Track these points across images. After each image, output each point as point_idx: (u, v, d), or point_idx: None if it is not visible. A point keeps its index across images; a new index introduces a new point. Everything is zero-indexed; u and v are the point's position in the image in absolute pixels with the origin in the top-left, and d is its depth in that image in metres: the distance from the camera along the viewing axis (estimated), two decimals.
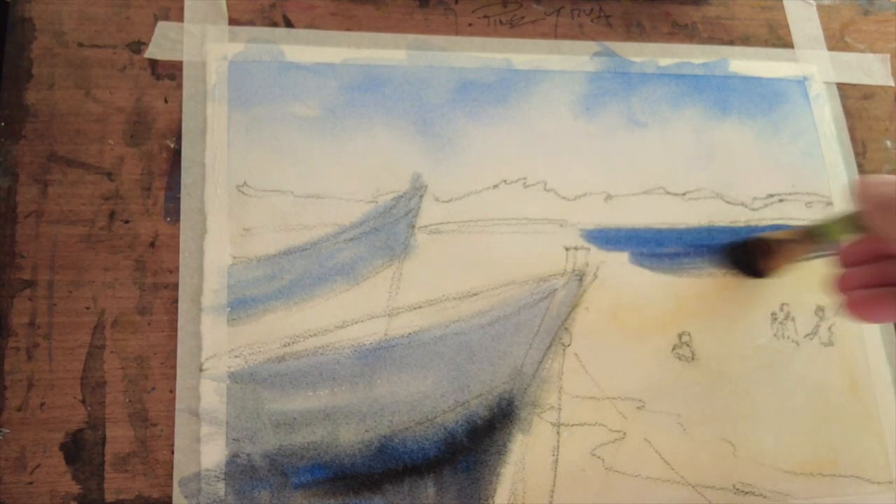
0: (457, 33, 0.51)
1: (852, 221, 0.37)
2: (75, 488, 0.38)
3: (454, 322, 0.44)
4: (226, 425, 0.40)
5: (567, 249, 0.46)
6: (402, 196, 0.46)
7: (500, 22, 0.52)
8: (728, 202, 0.50)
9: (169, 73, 0.46)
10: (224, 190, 0.44)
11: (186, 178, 0.44)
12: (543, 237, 0.46)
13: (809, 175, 0.52)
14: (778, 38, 0.56)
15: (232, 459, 0.39)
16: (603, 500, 0.42)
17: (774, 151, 0.52)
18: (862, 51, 0.57)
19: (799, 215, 0.50)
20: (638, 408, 0.44)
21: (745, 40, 0.55)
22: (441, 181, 0.47)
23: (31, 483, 0.38)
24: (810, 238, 0.41)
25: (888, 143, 0.54)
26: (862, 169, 0.53)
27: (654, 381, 0.45)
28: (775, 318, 0.47)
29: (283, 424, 0.40)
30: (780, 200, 0.51)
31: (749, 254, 0.46)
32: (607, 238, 0.47)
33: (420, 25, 0.50)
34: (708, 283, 0.47)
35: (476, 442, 0.42)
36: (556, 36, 0.52)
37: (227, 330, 0.41)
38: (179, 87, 0.46)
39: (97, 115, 0.44)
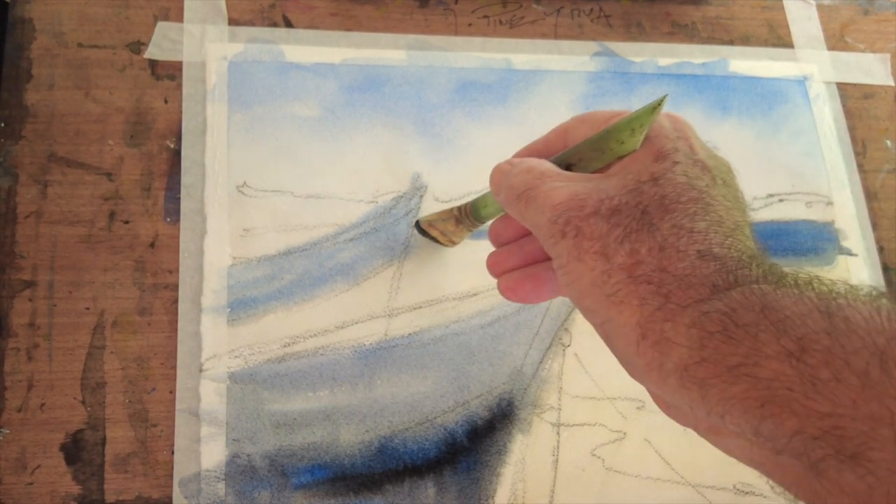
0: (456, 33, 0.51)
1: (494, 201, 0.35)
2: (75, 489, 0.38)
3: (454, 322, 0.44)
4: (226, 426, 0.40)
5: None
6: (402, 196, 0.46)
7: (500, 22, 0.52)
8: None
9: (169, 73, 0.46)
10: (224, 190, 0.44)
11: (186, 179, 0.44)
12: None
13: (809, 175, 0.52)
14: (778, 37, 0.56)
15: (232, 460, 0.39)
16: (603, 501, 0.42)
17: (774, 151, 0.52)
18: (862, 50, 0.57)
19: (799, 215, 0.50)
20: (638, 408, 0.44)
21: (745, 40, 0.55)
22: (441, 181, 0.47)
23: (31, 484, 0.38)
24: (467, 219, 0.39)
25: (888, 142, 0.54)
26: (862, 168, 0.53)
27: None
28: None
29: (283, 425, 0.40)
30: (780, 200, 0.51)
31: (423, 232, 0.44)
32: None
33: (420, 25, 0.50)
34: None
35: (476, 442, 0.42)
36: (555, 36, 0.52)
37: (227, 330, 0.41)
38: (179, 87, 0.46)
39: (97, 115, 0.44)
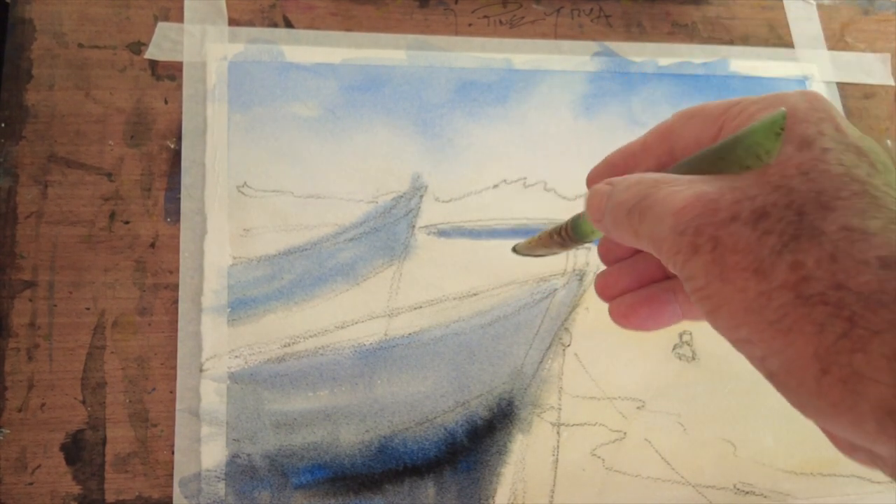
0: (457, 33, 0.51)
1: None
2: (76, 489, 0.38)
3: (454, 322, 0.44)
4: (226, 426, 0.40)
5: None
6: (402, 196, 0.46)
7: (500, 22, 0.52)
8: None
9: (169, 73, 0.46)
10: (224, 190, 0.44)
11: (186, 179, 0.44)
12: None
13: None
14: (778, 37, 0.55)
15: (232, 460, 0.39)
16: (603, 500, 0.42)
17: None
18: (862, 50, 0.57)
19: None
20: (638, 408, 0.44)
21: (746, 40, 0.55)
22: (441, 181, 0.47)
23: (31, 483, 0.38)
24: (569, 240, 0.34)
25: (888, 142, 0.54)
26: None
27: (654, 381, 0.45)
28: None
29: (283, 425, 0.40)
30: None
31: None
32: None
33: (420, 25, 0.50)
34: None
35: (476, 442, 0.42)
36: (555, 36, 0.52)
37: (227, 330, 0.41)
38: (179, 87, 0.46)
39: (97, 115, 0.44)
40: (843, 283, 0.19)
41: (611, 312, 0.29)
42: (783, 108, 0.22)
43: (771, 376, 0.21)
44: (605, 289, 0.29)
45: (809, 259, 0.20)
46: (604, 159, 0.30)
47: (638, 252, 0.29)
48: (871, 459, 0.21)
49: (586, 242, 0.33)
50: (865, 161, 0.22)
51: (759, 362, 0.21)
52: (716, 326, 0.22)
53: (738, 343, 0.22)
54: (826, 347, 0.19)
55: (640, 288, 0.28)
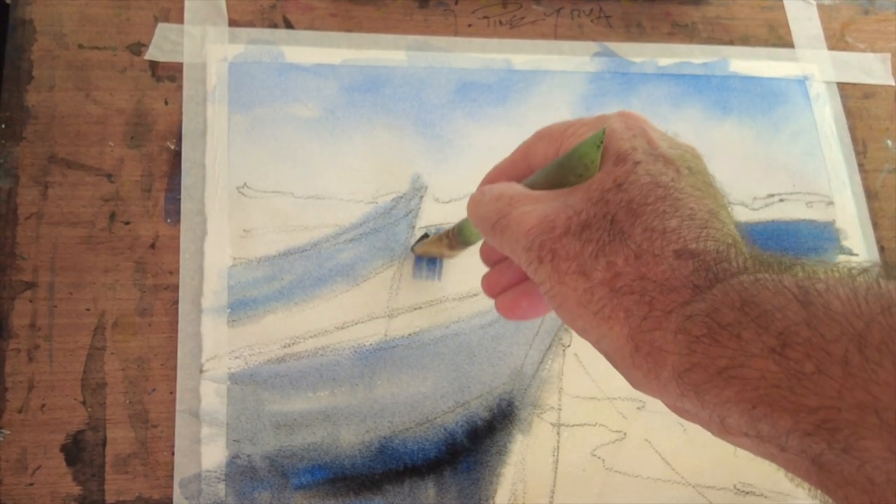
0: (456, 34, 0.51)
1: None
2: (76, 489, 0.38)
3: (454, 323, 0.44)
4: (226, 426, 0.40)
5: None
6: (402, 197, 0.46)
7: (500, 22, 0.52)
8: (728, 202, 0.49)
9: (169, 74, 0.46)
10: (224, 191, 0.44)
11: (187, 180, 0.44)
12: None
13: (810, 175, 0.52)
14: (778, 37, 0.55)
15: (232, 460, 0.39)
16: (603, 501, 0.42)
17: (775, 151, 0.52)
18: (862, 50, 0.57)
19: (799, 215, 0.50)
20: (638, 408, 0.44)
21: (746, 40, 0.55)
22: (441, 182, 0.47)
23: (31, 484, 0.38)
24: (457, 243, 0.39)
25: (889, 142, 0.54)
26: (862, 168, 0.53)
27: None
28: None
29: (283, 425, 0.40)
30: (781, 200, 0.51)
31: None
32: None
33: (420, 26, 0.50)
34: None
35: (476, 443, 0.42)
36: (555, 36, 0.52)
37: (227, 331, 0.41)
38: (179, 88, 0.46)
39: (97, 116, 0.45)
40: (645, 274, 0.24)
41: (497, 307, 0.33)
42: (604, 127, 0.27)
43: (606, 356, 0.26)
44: (490, 287, 0.33)
45: (619, 259, 0.24)
46: (486, 175, 0.34)
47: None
48: (694, 417, 0.24)
49: (470, 245, 0.38)
50: (672, 168, 0.26)
51: (596, 345, 0.26)
52: (563, 320, 0.27)
53: (580, 332, 0.26)
54: (634, 328, 0.23)
55: (519, 284, 0.32)
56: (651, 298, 0.23)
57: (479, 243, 0.36)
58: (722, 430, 0.23)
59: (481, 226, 0.30)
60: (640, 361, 0.23)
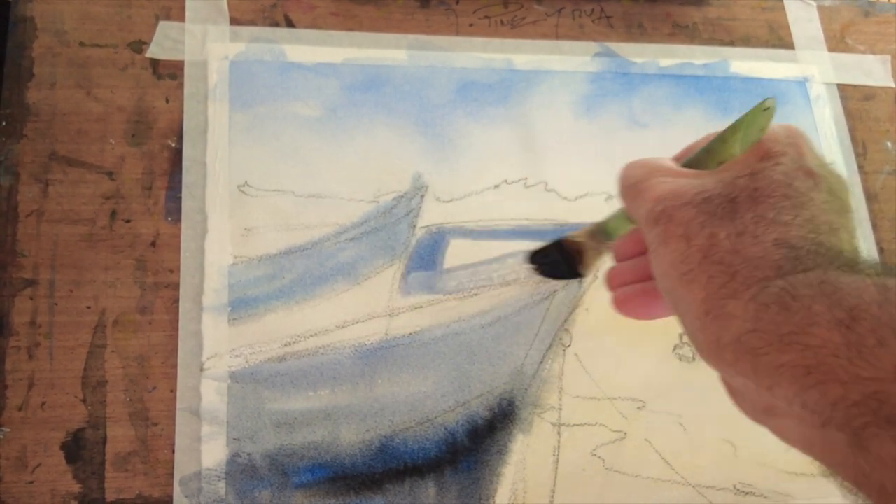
0: (458, 33, 0.51)
1: (625, 213, 0.34)
2: (76, 487, 0.38)
3: (455, 322, 0.44)
4: (226, 425, 0.40)
5: None
6: (402, 196, 0.46)
7: (501, 22, 0.52)
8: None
9: (170, 72, 0.46)
10: (225, 189, 0.44)
11: (187, 178, 0.44)
12: (544, 237, 0.46)
13: None
14: (778, 38, 0.56)
15: (232, 459, 0.39)
16: (603, 501, 0.42)
17: None
18: (862, 52, 0.57)
19: None
20: (638, 408, 0.44)
21: (746, 41, 0.55)
22: (442, 181, 0.47)
23: (31, 482, 0.38)
24: (599, 235, 0.38)
25: (888, 144, 0.54)
26: (862, 170, 0.53)
27: (654, 382, 0.45)
28: None
29: (283, 424, 0.40)
30: None
31: (565, 255, 0.40)
32: None
33: (421, 25, 0.50)
34: None
35: (477, 442, 0.42)
36: (556, 36, 0.52)
37: (227, 329, 0.41)
38: (181, 86, 0.46)
39: (98, 114, 0.44)
40: (740, 250, 0.25)
41: (612, 300, 0.34)
42: (773, 97, 0.28)
43: (680, 318, 0.27)
44: (613, 279, 0.34)
45: (722, 232, 0.25)
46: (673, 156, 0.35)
47: (641, 254, 0.34)
48: (742, 399, 0.26)
49: (606, 241, 0.37)
50: (811, 179, 0.27)
51: (674, 308, 0.27)
52: (658, 285, 0.28)
53: (665, 294, 0.27)
54: (711, 293, 0.24)
55: (640, 282, 0.33)
56: (735, 271, 0.24)
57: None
58: (766, 409, 0.24)
59: (620, 186, 0.31)
60: (706, 325, 0.24)
